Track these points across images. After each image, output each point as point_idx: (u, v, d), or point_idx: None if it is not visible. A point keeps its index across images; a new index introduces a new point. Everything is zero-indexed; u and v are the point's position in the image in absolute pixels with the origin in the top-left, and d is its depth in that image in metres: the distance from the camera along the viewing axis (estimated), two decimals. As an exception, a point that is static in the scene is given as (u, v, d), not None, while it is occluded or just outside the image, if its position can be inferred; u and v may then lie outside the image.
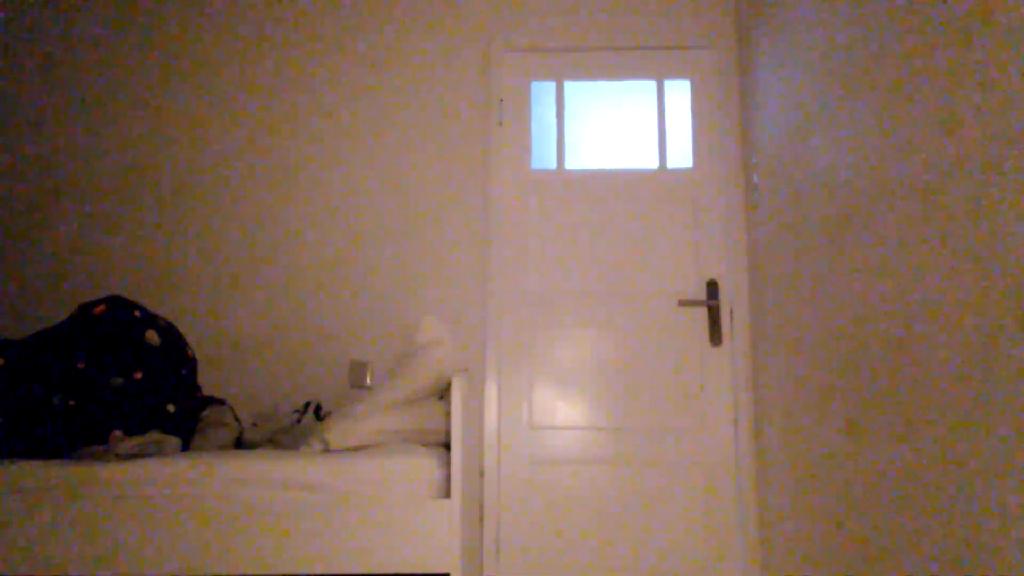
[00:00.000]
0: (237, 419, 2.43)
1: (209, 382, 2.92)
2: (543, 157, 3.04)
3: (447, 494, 1.96)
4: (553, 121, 3.07)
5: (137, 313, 2.11)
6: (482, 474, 2.81)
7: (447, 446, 2.26)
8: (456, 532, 1.87)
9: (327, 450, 2.11)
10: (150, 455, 1.97)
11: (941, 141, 1.46)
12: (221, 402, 2.46)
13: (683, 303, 2.86)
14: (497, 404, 2.86)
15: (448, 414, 2.26)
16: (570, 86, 3.09)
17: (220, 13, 3.15)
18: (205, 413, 2.35)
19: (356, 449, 2.12)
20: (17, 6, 3.19)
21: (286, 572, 1.85)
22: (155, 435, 2.01)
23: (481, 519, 2.78)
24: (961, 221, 1.39)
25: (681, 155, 3.02)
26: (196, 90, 3.11)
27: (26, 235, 3.06)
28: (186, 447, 2.19)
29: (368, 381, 2.90)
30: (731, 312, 2.86)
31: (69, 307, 3.00)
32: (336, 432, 2.11)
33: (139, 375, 2.02)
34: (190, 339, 2.95)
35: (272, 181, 3.04)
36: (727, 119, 2.97)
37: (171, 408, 2.06)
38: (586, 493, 2.79)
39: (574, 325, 2.90)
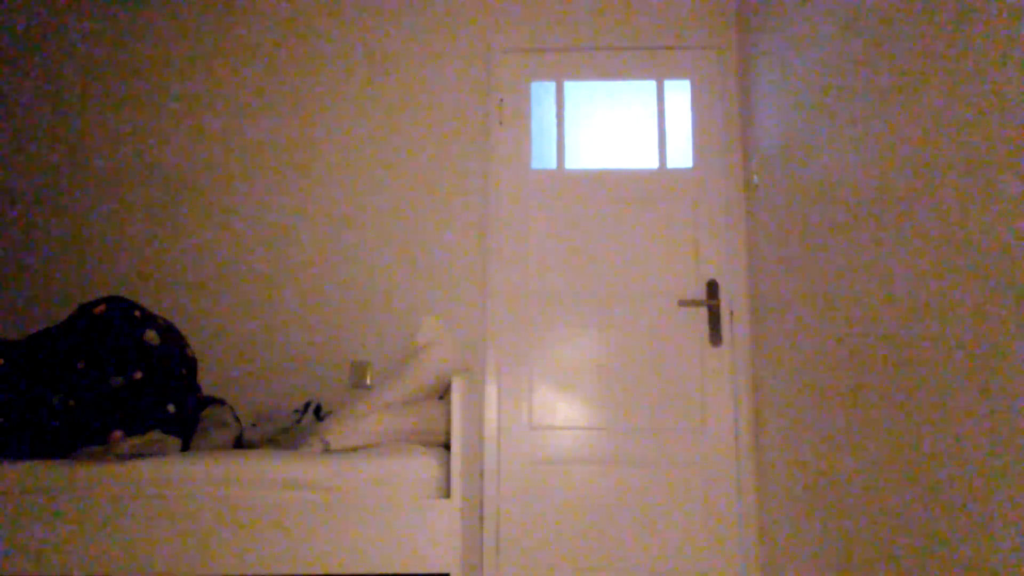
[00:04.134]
0: (237, 419, 2.44)
1: (209, 382, 2.92)
2: (543, 157, 3.04)
3: (447, 494, 1.96)
4: (553, 121, 3.07)
5: (137, 313, 2.11)
6: (482, 474, 2.81)
7: (447, 446, 2.26)
8: (456, 532, 1.87)
9: (327, 450, 2.11)
10: (150, 455, 1.97)
11: (940, 141, 1.46)
12: (221, 402, 2.46)
13: (683, 303, 2.86)
14: (497, 404, 2.86)
15: (448, 414, 2.26)
16: (570, 86, 3.09)
17: (219, 13, 3.15)
18: (205, 413, 2.35)
19: (356, 449, 2.12)
20: (13, 5, 3.19)
21: (286, 572, 1.85)
22: (155, 435, 2.00)
23: (481, 519, 2.78)
24: (961, 221, 1.39)
25: (681, 155, 3.02)
26: (198, 90, 3.11)
27: (26, 235, 3.06)
28: (186, 447, 2.19)
29: (368, 381, 2.90)
30: (731, 312, 2.86)
31: (69, 307, 3.00)
32: (336, 432, 2.11)
33: (139, 375, 2.02)
34: (190, 339, 2.95)
35: (272, 182, 3.04)
36: (727, 119, 2.97)
37: (171, 408, 2.06)
38: (586, 493, 2.79)
39: (574, 325, 2.90)
